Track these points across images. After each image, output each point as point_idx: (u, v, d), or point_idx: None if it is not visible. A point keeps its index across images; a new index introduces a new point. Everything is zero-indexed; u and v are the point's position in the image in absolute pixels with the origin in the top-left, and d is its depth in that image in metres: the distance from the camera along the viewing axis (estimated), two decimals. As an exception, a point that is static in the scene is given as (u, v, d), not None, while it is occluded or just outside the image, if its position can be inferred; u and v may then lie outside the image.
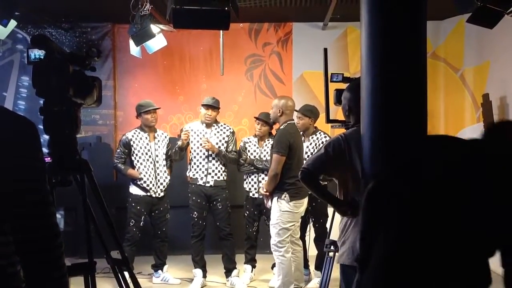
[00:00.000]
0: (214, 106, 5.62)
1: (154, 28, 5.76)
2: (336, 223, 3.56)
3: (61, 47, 2.50)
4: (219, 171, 5.64)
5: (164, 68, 7.41)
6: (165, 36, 6.14)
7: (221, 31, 6.46)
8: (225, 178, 5.70)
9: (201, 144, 5.56)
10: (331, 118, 3.92)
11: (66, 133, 2.45)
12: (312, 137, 5.62)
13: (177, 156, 5.70)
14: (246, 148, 5.88)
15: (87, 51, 2.47)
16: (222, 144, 5.63)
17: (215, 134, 5.65)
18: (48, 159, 2.40)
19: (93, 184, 2.60)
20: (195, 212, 5.61)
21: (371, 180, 2.16)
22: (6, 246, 1.47)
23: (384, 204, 2.04)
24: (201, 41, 7.33)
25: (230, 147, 5.69)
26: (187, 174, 5.77)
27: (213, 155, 5.59)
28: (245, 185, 5.86)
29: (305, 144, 5.56)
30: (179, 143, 5.59)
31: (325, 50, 3.96)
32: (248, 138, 6.00)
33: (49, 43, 2.35)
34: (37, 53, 2.44)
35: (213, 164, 5.61)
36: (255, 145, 5.86)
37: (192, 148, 5.64)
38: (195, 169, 5.63)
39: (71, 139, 2.48)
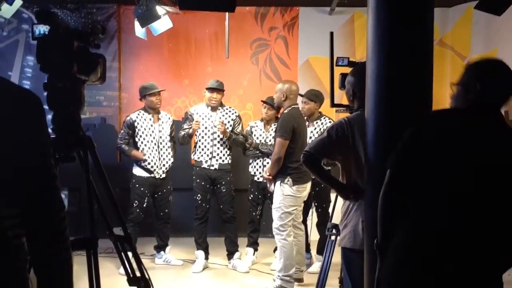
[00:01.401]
0: (219, 88, 5.61)
1: (160, 9, 5.75)
2: (338, 207, 3.57)
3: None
4: (223, 155, 5.65)
5: (169, 50, 7.38)
6: (171, 18, 6.13)
7: (227, 14, 6.43)
8: (229, 161, 5.71)
9: (215, 126, 5.56)
10: (336, 102, 3.92)
11: (70, 109, 2.45)
12: (317, 122, 5.61)
13: (184, 141, 5.72)
14: (252, 132, 5.88)
15: (92, 28, 2.47)
16: (227, 128, 5.63)
17: (220, 118, 5.64)
18: (52, 135, 2.41)
19: (96, 160, 2.61)
20: (199, 195, 5.63)
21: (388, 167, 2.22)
22: (12, 219, 1.49)
23: (403, 189, 2.09)
24: (207, 24, 7.29)
25: (238, 130, 5.69)
26: (192, 157, 5.78)
27: (218, 139, 5.59)
28: (250, 169, 5.87)
29: (309, 129, 5.56)
30: (190, 131, 5.58)
31: (331, 33, 3.95)
32: (255, 122, 5.99)
33: (54, 18, 2.35)
34: (42, 29, 2.44)
35: (218, 148, 5.62)
36: (261, 129, 5.86)
37: (197, 131, 5.65)
38: (200, 152, 5.65)
39: (75, 115, 2.49)
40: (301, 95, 5.59)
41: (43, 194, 1.53)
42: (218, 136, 5.60)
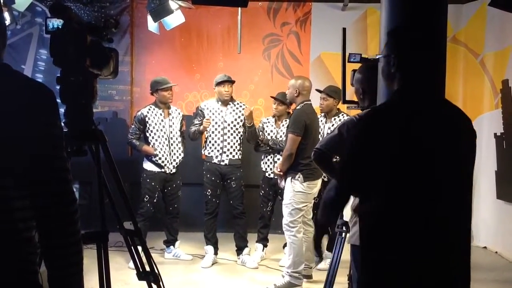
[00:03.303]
0: (230, 80, 5.62)
1: (173, 4, 5.75)
2: (348, 204, 3.55)
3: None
4: (234, 150, 5.65)
5: (181, 45, 7.40)
6: (183, 12, 6.13)
7: (239, 9, 6.42)
8: (240, 157, 5.71)
9: (225, 121, 5.57)
10: (347, 99, 3.90)
11: (83, 103, 2.47)
12: (335, 119, 5.59)
13: (195, 137, 5.76)
14: (264, 129, 5.87)
15: (105, 22, 2.48)
16: (238, 123, 5.63)
17: (230, 113, 5.65)
18: (64, 129, 2.42)
19: (108, 154, 2.62)
20: (209, 190, 5.64)
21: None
22: (23, 211, 1.50)
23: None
24: (219, 19, 7.29)
25: (248, 123, 5.69)
26: (203, 152, 5.80)
27: (229, 134, 5.59)
28: (262, 165, 5.87)
29: (327, 125, 5.56)
30: (201, 128, 5.59)
31: (344, 29, 3.92)
32: (267, 119, 6.00)
33: (67, 12, 2.36)
34: (55, 23, 2.45)
35: (228, 143, 5.62)
36: (272, 125, 5.86)
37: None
38: (210, 148, 5.65)
39: (87, 109, 2.50)
40: (320, 91, 5.59)
41: (55, 186, 1.53)
42: (229, 131, 5.60)
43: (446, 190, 1.91)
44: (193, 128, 5.68)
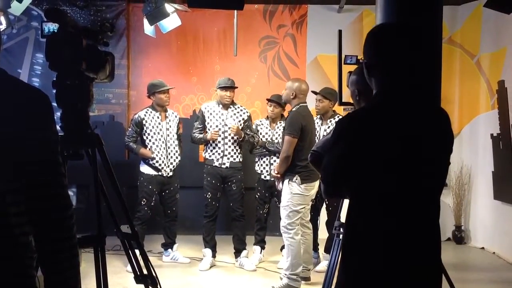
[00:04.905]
0: (232, 86, 5.62)
1: (169, 7, 5.75)
2: (345, 205, 3.55)
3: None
4: (235, 153, 5.65)
5: (177, 48, 7.40)
6: (180, 16, 6.13)
7: (235, 12, 6.43)
8: (240, 159, 5.72)
9: (226, 124, 5.59)
10: (344, 101, 3.90)
11: (79, 107, 2.46)
12: (330, 121, 5.59)
13: (200, 143, 5.82)
14: (258, 131, 5.88)
15: (101, 26, 2.48)
16: (239, 126, 5.63)
17: (231, 116, 5.65)
18: (60, 133, 2.42)
19: (104, 158, 2.61)
20: (209, 193, 5.64)
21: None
22: (19, 216, 1.49)
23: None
24: (216, 21, 7.30)
25: (248, 131, 5.70)
26: (203, 155, 5.80)
27: (229, 137, 5.59)
28: (256, 167, 5.87)
29: (323, 127, 5.56)
30: (208, 137, 5.61)
31: (340, 31, 3.92)
32: (260, 121, 6.00)
33: (63, 17, 2.36)
34: (51, 27, 2.45)
35: (229, 146, 5.63)
36: (267, 127, 5.86)
37: (208, 129, 5.66)
38: (211, 151, 5.66)
39: (83, 113, 2.50)
40: (316, 93, 5.59)
41: (50, 191, 1.53)
42: (229, 134, 5.60)
43: (434, 190, 1.91)
44: (198, 136, 5.68)
